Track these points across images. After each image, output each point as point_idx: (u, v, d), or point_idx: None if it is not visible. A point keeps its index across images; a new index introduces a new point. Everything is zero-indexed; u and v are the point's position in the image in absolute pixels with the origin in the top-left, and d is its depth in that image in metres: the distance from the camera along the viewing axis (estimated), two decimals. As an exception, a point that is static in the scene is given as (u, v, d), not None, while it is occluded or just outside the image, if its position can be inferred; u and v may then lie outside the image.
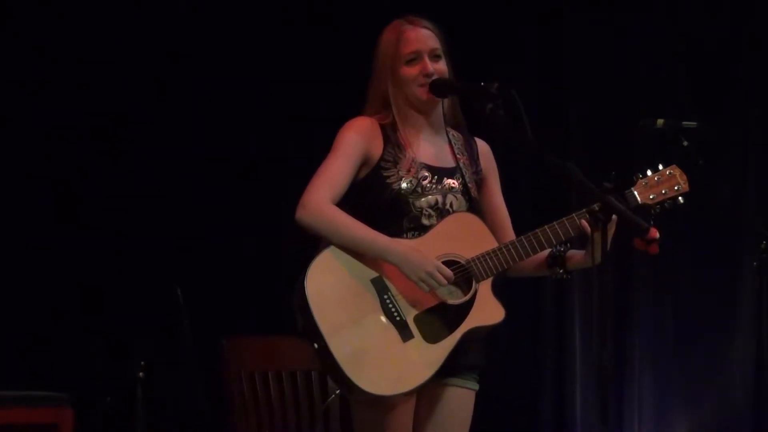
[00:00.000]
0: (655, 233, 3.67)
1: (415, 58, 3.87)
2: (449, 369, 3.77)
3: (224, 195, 6.22)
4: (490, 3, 6.44)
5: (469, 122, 4.02)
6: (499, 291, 3.82)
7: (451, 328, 3.74)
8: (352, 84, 4.04)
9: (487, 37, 6.33)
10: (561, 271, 3.93)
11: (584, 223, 3.79)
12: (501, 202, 4.05)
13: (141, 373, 5.66)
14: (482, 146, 4.05)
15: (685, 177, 3.91)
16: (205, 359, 5.53)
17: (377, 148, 3.86)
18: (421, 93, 3.87)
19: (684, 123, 4.87)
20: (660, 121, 4.86)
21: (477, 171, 3.98)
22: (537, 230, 3.84)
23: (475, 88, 3.78)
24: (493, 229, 3.93)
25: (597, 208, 3.68)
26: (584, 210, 3.79)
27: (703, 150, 4.77)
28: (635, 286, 6.60)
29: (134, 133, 6.18)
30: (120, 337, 5.94)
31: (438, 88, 3.86)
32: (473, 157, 3.99)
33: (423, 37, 3.89)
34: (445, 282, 3.73)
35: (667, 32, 6.60)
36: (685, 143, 4.79)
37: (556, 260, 3.93)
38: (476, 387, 3.91)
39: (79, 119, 6.10)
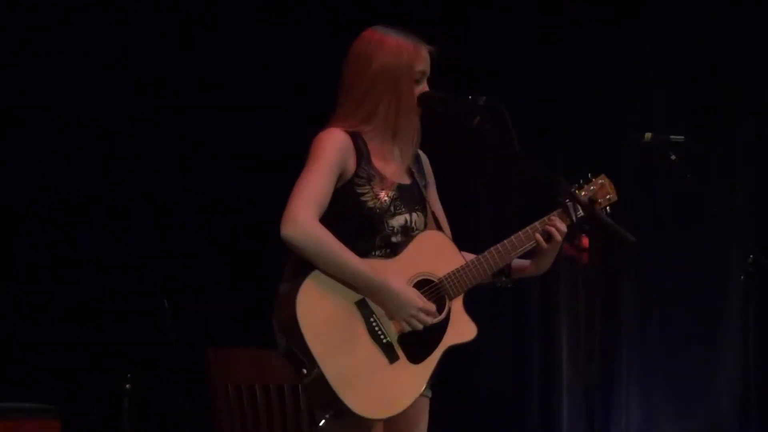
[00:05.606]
0: (586, 242, 3.71)
1: (421, 78, 3.85)
2: None
3: (211, 208, 6.21)
4: (486, 20, 6.44)
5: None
6: (485, 305, 3.82)
7: (432, 347, 3.74)
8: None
9: (480, 53, 6.33)
10: (505, 279, 3.93)
11: (538, 236, 3.81)
12: (441, 209, 4.03)
13: (128, 385, 5.65)
14: (424, 157, 4.00)
15: (613, 186, 3.92)
16: (192, 371, 5.52)
17: (351, 164, 3.79)
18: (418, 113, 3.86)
19: (672, 137, 4.87)
20: (648, 135, 4.85)
21: (426, 184, 3.97)
22: (505, 241, 3.84)
23: (463, 102, 3.79)
24: None
25: (579, 218, 3.73)
26: (563, 218, 3.81)
27: (691, 164, 4.78)
28: (622, 299, 6.60)
29: (120, 149, 6.18)
30: (107, 349, 5.93)
31: (426, 101, 3.85)
32: (421, 169, 3.97)
33: (429, 59, 3.87)
34: (431, 321, 3.73)
35: (657, 47, 6.61)
36: (673, 157, 4.79)
37: (501, 269, 3.91)
38: (429, 394, 3.89)
39: (66, 132, 6.10)
